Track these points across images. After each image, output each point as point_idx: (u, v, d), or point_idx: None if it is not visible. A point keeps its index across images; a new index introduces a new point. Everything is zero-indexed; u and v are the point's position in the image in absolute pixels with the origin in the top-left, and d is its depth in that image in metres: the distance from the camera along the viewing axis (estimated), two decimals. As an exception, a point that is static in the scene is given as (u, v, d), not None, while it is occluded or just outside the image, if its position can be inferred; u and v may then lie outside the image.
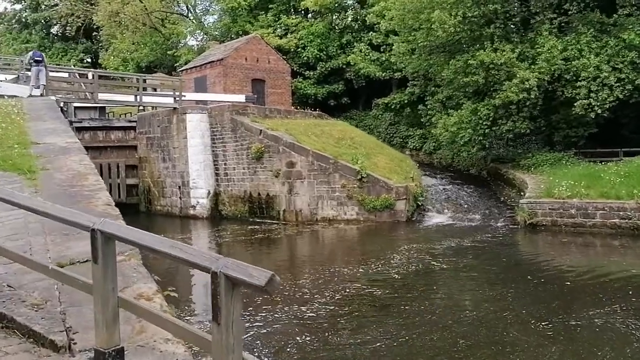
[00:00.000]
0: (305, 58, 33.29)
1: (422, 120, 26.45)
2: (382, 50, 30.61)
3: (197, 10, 44.33)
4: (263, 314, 8.02)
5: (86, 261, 5.17)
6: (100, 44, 50.31)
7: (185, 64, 36.48)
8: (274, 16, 35.79)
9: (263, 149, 19.24)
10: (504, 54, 19.60)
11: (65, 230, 5.86)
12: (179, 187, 21.55)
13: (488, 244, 13.41)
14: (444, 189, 21.85)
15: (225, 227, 18.63)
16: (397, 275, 9.97)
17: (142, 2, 40.40)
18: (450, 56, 22.23)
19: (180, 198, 21.56)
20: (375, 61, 30.38)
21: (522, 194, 19.42)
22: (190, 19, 44.66)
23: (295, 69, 33.30)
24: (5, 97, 16.17)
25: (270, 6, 36.27)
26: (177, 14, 45.55)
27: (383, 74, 29.95)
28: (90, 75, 22.08)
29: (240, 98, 26.22)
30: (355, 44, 31.96)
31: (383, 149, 22.23)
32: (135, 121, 23.56)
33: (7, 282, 4.61)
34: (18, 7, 55.60)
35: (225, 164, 20.78)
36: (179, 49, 41.54)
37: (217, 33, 39.82)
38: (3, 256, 4.34)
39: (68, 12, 43.21)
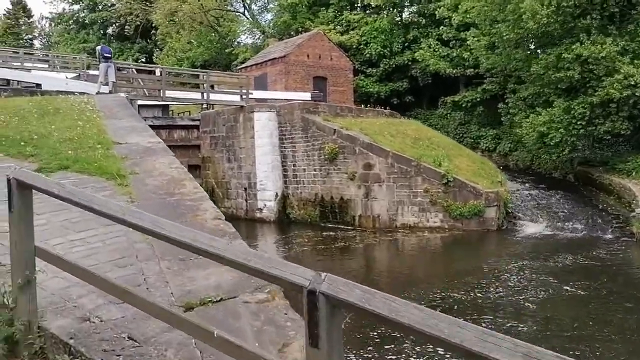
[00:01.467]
0: (367, 55, 31.89)
1: (501, 119, 24.57)
2: (451, 45, 28.92)
3: (253, 7, 43.62)
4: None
5: (220, 301, 3.96)
6: (155, 44, 50.36)
7: (243, 62, 35.72)
8: (335, 12, 34.58)
9: (337, 149, 17.95)
10: (605, 47, 17.65)
11: (181, 253, 4.71)
12: (245, 188, 20.53)
13: (610, 261, 11.63)
14: (529, 194, 20.04)
15: (296, 232, 17.44)
16: (530, 304, 8.39)
17: (199, 1, 39.94)
18: (537, 50, 20.39)
19: (246, 200, 20.55)
20: (445, 57, 28.66)
21: (623, 201, 17.51)
22: (246, 17, 43.99)
23: (357, 66, 31.93)
24: (76, 93, 15.50)
25: (331, 2, 35.08)
26: (234, 11, 44.99)
27: (454, 71, 28.19)
28: (158, 72, 21.38)
29: (306, 96, 25.06)
30: (422, 39, 30.30)
31: (462, 150, 20.58)
32: (198, 120, 22.74)
33: (127, 332, 3.43)
34: (76, 7, 56.49)
35: (294, 165, 19.62)
36: (237, 47, 40.89)
37: (274, 31, 38.91)
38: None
39: (127, 11, 43.28)
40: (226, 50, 41.34)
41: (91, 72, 26.56)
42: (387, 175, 17.02)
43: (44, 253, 3.40)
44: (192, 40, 43.36)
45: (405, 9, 33.84)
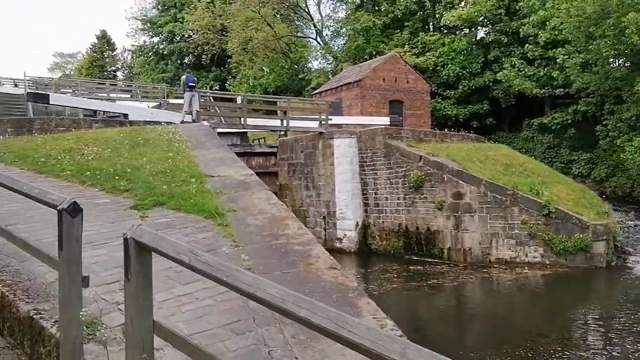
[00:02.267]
0: (445, 77, 30.82)
1: (599, 142, 22.68)
2: (537, 64, 27.34)
3: (324, 33, 43.73)
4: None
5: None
6: (229, 71, 51.59)
7: (315, 87, 35.58)
8: (410, 34, 33.82)
9: (423, 177, 16.98)
10: None
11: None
12: (324, 217, 19.89)
13: None
14: (635, 225, 18.15)
15: (380, 265, 16.48)
16: None
17: (272, 29, 40.49)
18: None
19: (324, 229, 19.88)
20: (530, 77, 27.08)
21: None
22: (318, 42, 44.15)
23: (433, 88, 30.89)
24: (163, 123, 15.55)
25: (405, 24, 34.41)
26: (305, 37, 45.31)
27: (541, 91, 26.52)
28: (239, 100, 21.39)
29: (384, 121, 24.30)
30: (504, 59, 28.89)
31: (558, 177, 18.96)
32: (276, 147, 22.49)
33: None
34: (155, 39, 59.23)
35: (376, 193, 18.79)
36: (308, 73, 40.97)
37: (346, 55, 38.64)
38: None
39: (204, 42, 44.62)
40: (298, 76, 41.52)
41: (171, 100, 27.20)
42: (479, 205, 15.82)
43: (164, 331, 2.77)
44: (264, 67, 43.97)
45: (484, 28, 32.58)
